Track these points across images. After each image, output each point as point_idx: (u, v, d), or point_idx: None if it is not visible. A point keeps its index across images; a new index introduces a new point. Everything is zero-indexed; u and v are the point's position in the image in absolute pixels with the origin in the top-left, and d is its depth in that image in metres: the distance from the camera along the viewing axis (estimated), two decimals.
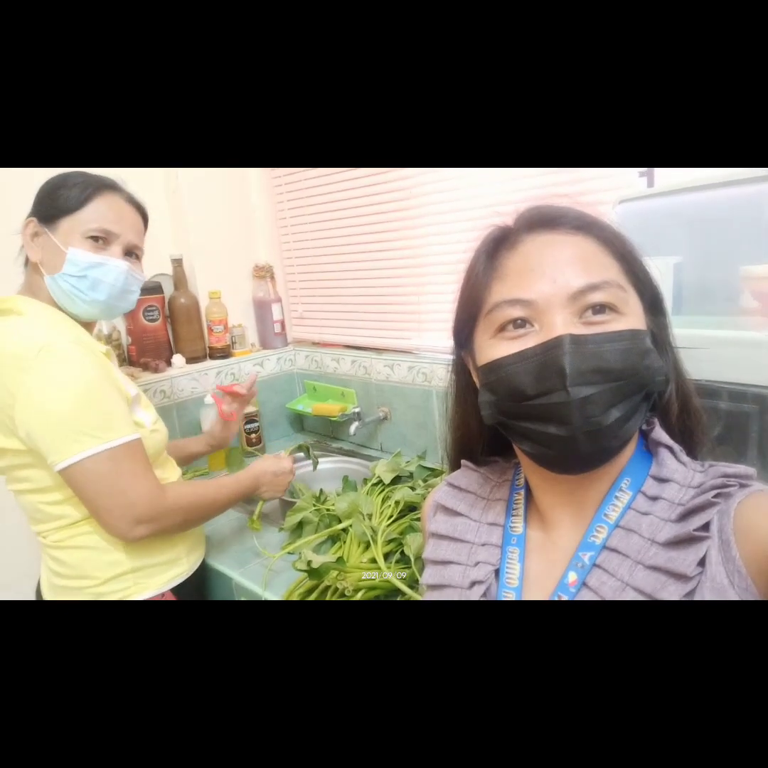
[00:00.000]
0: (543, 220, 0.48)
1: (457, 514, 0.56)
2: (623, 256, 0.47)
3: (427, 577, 0.55)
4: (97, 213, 0.87)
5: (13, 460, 0.87)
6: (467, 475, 0.58)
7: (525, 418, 0.45)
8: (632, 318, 0.45)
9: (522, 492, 0.54)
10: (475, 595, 0.50)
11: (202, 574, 1.07)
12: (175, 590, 0.98)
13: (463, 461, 0.59)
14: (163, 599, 0.95)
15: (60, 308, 0.91)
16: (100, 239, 0.88)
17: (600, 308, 0.44)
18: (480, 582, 0.50)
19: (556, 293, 0.44)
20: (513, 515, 0.53)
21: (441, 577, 0.53)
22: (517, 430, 0.47)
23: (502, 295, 0.46)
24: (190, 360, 1.56)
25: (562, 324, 0.43)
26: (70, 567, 0.94)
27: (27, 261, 0.92)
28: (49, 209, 0.86)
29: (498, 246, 0.49)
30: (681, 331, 0.56)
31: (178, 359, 1.53)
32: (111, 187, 0.90)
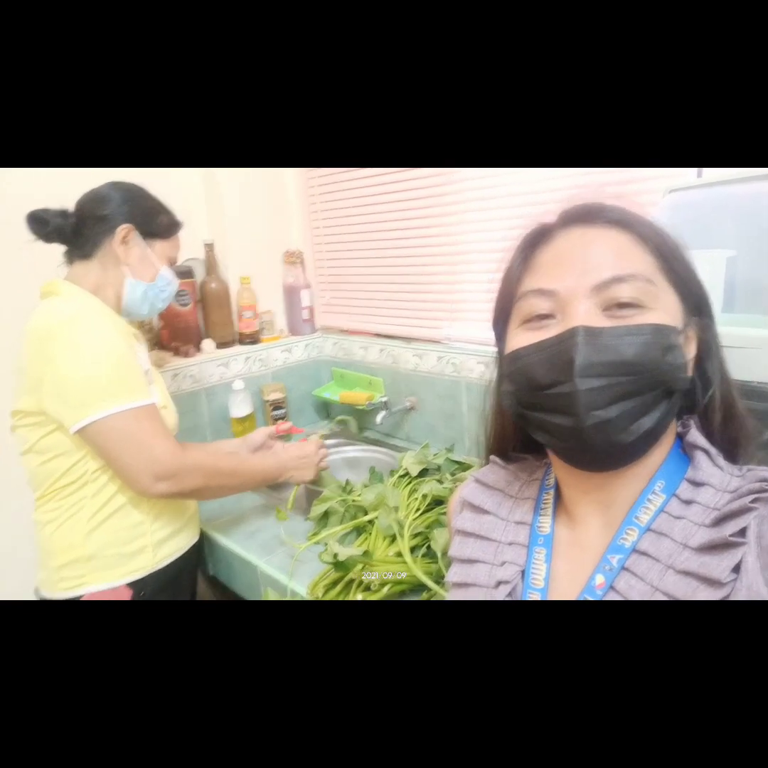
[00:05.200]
0: (579, 215, 0.47)
1: (484, 511, 0.55)
2: (661, 253, 0.45)
3: (453, 575, 0.55)
4: (176, 246, 1.10)
5: (22, 420, 0.94)
6: (495, 471, 0.58)
7: (539, 409, 0.45)
8: (660, 314, 0.43)
9: (551, 492, 0.53)
10: (500, 594, 0.49)
11: (173, 575, 1.04)
12: (133, 585, 0.97)
13: (491, 457, 0.58)
14: (115, 594, 0.95)
15: (103, 302, 1.00)
16: (171, 264, 1.10)
17: (627, 303, 0.43)
18: (506, 582, 0.50)
19: (579, 284, 0.44)
20: (541, 515, 0.52)
21: (466, 576, 0.53)
22: (533, 421, 0.47)
23: (529, 286, 0.47)
24: (220, 345, 1.56)
25: (583, 316, 0.43)
26: (41, 544, 0.98)
27: (70, 254, 1.01)
28: (148, 227, 1.03)
29: (535, 241, 0.49)
30: (733, 329, 0.53)
31: (207, 344, 1.53)
32: (182, 225, 1.11)
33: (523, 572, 0.50)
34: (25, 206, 0.97)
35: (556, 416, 0.44)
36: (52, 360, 0.88)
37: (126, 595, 0.96)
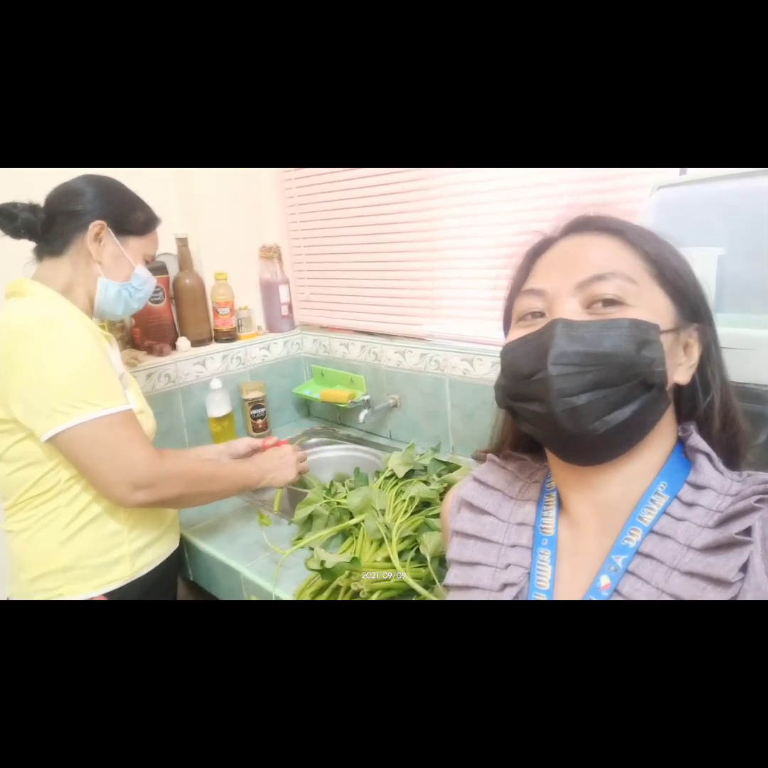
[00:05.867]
0: (575, 225, 0.51)
1: (484, 512, 0.55)
2: (651, 257, 0.47)
3: (452, 578, 0.54)
4: (153, 243, 1.04)
5: None
6: (494, 471, 0.57)
7: (521, 399, 0.48)
8: (642, 311, 0.45)
9: (554, 494, 0.53)
10: (506, 597, 0.49)
11: (152, 585, 1.00)
12: (111, 596, 0.94)
13: (489, 456, 0.59)
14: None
15: (70, 302, 0.95)
16: (148, 262, 1.05)
17: (610, 301, 0.45)
18: (512, 584, 0.49)
19: (564, 284, 0.47)
20: (544, 516, 0.52)
21: (468, 579, 0.52)
22: (518, 411, 0.49)
23: (524, 287, 0.50)
24: (195, 343, 1.51)
25: (567, 312, 0.46)
26: (12, 555, 0.94)
27: (39, 250, 0.96)
28: (123, 223, 0.98)
29: (538, 251, 0.52)
30: (724, 329, 0.52)
31: (182, 342, 1.49)
32: (159, 220, 1.06)
33: (528, 574, 0.50)
34: None
35: (533, 404, 0.46)
36: (20, 365, 0.83)
37: None
